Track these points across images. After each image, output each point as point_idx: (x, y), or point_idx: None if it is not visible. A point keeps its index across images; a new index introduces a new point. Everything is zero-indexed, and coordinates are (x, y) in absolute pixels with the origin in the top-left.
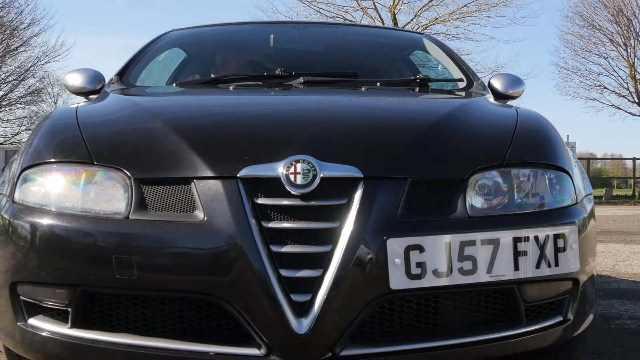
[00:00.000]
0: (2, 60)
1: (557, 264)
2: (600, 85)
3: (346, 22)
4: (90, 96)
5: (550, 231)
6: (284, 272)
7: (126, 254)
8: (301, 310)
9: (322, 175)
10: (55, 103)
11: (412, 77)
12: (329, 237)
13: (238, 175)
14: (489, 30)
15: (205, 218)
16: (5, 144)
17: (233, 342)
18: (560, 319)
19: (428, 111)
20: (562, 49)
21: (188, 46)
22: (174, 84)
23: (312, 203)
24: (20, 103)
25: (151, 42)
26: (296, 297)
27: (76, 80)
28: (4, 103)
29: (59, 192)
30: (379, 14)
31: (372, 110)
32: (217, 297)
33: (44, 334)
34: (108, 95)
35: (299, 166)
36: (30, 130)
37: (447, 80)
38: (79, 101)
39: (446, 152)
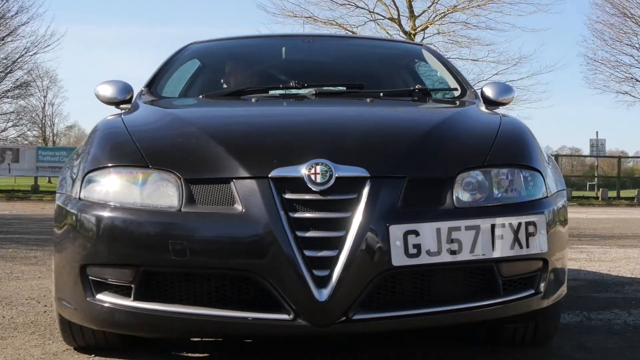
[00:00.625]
0: None
1: (528, 246)
2: (632, 78)
3: (351, 34)
4: (122, 105)
5: (523, 219)
6: (307, 252)
7: (179, 240)
8: (321, 282)
9: (336, 175)
10: (44, 97)
11: (412, 88)
12: (343, 225)
13: (269, 176)
14: (512, 19)
15: (243, 210)
16: None
17: (266, 310)
18: (532, 291)
19: (422, 120)
20: (590, 38)
21: (207, 58)
22: (201, 96)
23: (329, 197)
24: (7, 97)
25: (174, 55)
26: (317, 272)
27: (107, 91)
28: None
29: (120, 190)
30: (394, 1)
31: (376, 120)
32: (253, 273)
33: (110, 306)
34: (144, 106)
35: (318, 168)
36: (17, 125)
37: (443, 90)
38: (112, 110)
39: (437, 155)
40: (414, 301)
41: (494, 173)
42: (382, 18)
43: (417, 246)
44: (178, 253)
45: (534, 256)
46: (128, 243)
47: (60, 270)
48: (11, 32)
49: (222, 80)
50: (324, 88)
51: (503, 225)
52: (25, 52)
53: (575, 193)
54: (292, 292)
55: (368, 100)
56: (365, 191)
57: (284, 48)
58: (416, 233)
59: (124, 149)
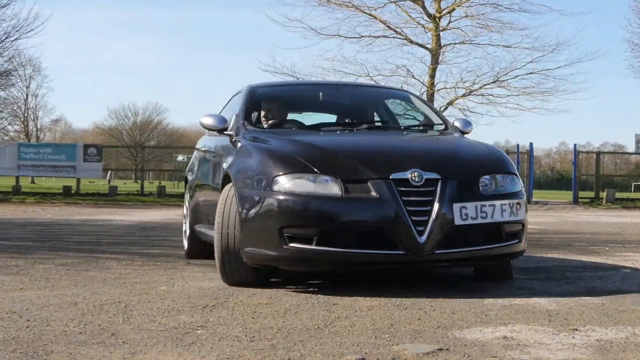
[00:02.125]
0: None
1: (517, 215)
2: None
3: (357, 83)
4: (224, 132)
5: (514, 201)
6: (413, 217)
7: (342, 212)
8: (420, 233)
9: (425, 177)
10: (27, 87)
11: (423, 123)
12: (429, 203)
13: (390, 177)
14: (548, 1)
15: (377, 195)
16: None
17: (390, 249)
18: (517, 240)
19: (451, 144)
20: (636, 22)
21: (271, 100)
22: (294, 127)
23: (421, 189)
24: None
25: (248, 96)
26: (418, 228)
27: (210, 121)
28: None
29: (300, 184)
30: None
31: (427, 144)
32: (383, 229)
33: (298, 249)
34: (262, 133)
35: (416, 173)
36: None
37: (437, 124)
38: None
39: (468, 166)
40: (465, 243)
41: (496, 177)
42: (404, 0)
43: (466, 214)
44: (342, 219)
45: (519, 221)
46: (313, 214)
47: (259, 232)
48: None
49: (284, 115)
50: (371, 124)
51: (505, 204)
52: (6, 38)
53: (618, 194)
54: (405, 239)
55: (403, 131)
56: (439, 185)
57: (320, 93)
58: (465, 207)
59: (292, 161)
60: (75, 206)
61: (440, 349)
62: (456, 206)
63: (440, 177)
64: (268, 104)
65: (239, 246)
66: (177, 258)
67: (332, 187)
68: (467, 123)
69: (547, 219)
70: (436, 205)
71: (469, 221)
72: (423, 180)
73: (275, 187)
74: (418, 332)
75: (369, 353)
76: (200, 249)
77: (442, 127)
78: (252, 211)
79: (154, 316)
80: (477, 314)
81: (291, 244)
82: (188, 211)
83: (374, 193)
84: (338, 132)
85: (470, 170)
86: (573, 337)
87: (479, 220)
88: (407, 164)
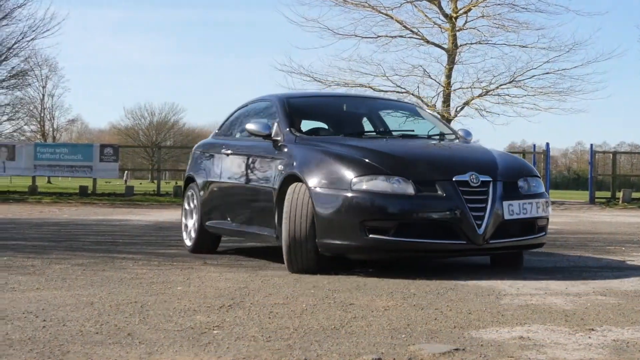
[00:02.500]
0: None
1: (544, 211)
2: None
3: (374, 95)
4: (270, 137)
5: (543, 200)
6: (472, 213)
7: (416, 208)
8: (479, 226)
9: (480, 179)
10: (43, 87)
11: (444, 133)
12: (484, 201)
13: (453, 179)
14: (565, 1)
15: (443, 194)
16: None
17: (454, 239)
18: (544, 233)
19: (486, 151)
20: None
21: (306, 110)
22: (341, 135)
23: (478, 189)
24: (2, 87)
25: (285, 105)
26: (477, 222)
27: (255, 127)
28: None
29: (375, 184)
30: None
31: (471, 151)
32: (449, 222)
33: (377, 240)
34: (320, 138)
35: (474, 176)
36: (13, 119)
37: (450, 133)
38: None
39: (509, 170)
40: (509, 234)
41: (528, 179)
42: (420, 0)
43: (512, 210)
44: (416, 213)
45: (546, 217)
46: (392, 209)
47: (340, 225)
48: (6, 15)
49: (321, 124)
50: (402, 132)
51: (538, 202)
52: (22, 38)
53: (635, 194)
54: (467, 230)
55: (428, 139)
56: (491, 186)
57: (344, 104)
58: (511, 205)
59: (366, 165)
60: (91, 206)
61: (456, 349)
62: (505, 204)
63: (491, 180)
64: (301, 113)
65: (310, 238)
66: (194, 258)
67: (407, 187)
68: (468, 133)
69: (564, 219)
70: (490, 203)
71: (514, 216)
72: (479, 182)
73: (355, 187)
74: (434, 332)
75: (385, 353)
76: (206, 244)
77: (453, 136)
78: (331, 207)
79: (171, 316)
80: (494, 314)
81: (370, 235)
82: (195, 209)
83: (440, 192)
84: (385, 139)
85: (511, 173)
86: (589, 337)
87: (521, 216)
88: (465, 168)
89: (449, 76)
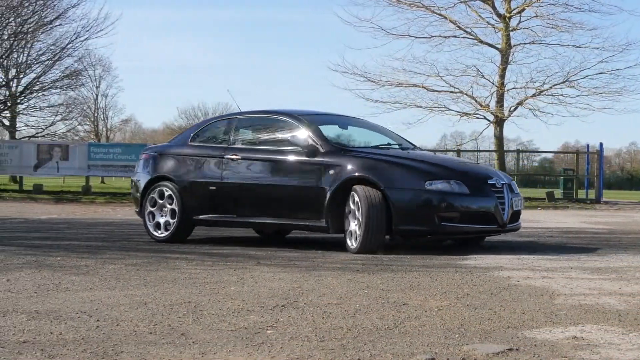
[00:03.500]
0: (34, 37)
1: (523, 205)
2: None
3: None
4: (310, 148)
5: (521, 196)
6: (500, 206)
7: (471, 203)
8: (505, 215)
9: (501, 182)
10: (97, 87)
11: (412, 143)
12: (504, 197)
13: (488, 182)
14: (618, 1)
15: (486, 194)
16: (37, 137)
17: (491, 224)
18: (519, 222)
19: (462, 159)
20: None
21: (320, 123)
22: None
23: (501, 189)
24: (56, 87)
25: (311, 122)
26: (502, 212)
27: (294, 139)
28: (36, 88)
29: (445, 187)
30: None
31: (465, 160)
32: (490, 212)
33: (448, 226)
34: (368, 149)
35: (497, 179)
36: (67, 119)
37: (410, 143)
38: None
39: (505, 175)
40: (515, 220)
41: (511, 182)
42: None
43: (516, 204)
44: (472, 207)
45: (520, 209)
46: (457, 205)
47: (417, 216)
48: (60, 15)
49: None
50: (402, 146)
51: (521, 198)
52: (76, 38)
53: None
54: (499, 218)
55: (410, 150)
56: (505, 187)
57: (339, 122)
58: (515, 200)
59: (432, 171)
60: None
61: (510, 349)
62: (514, 199)
63: (505, 182)
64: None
65: (383, 225)
66: (247, 258)
67: (464, 189)
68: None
69: (617, 219)
70: (507, 199)
71: (516, 208)
72: (499, 184)
73: (428, 188)
74: (488, 332)
75: (439, 353)
76: (181, 235)
77: (412, 146)
78: (407, 203)
79: (224, 316)
80: (547, 314)
81: (443, 223)
82: (176, 205)
83: (484, 192)
84: (402, 151)
85: (507, 178)
86: None
87: (518, 208)
88: (488, 174)
89: (502, 76)
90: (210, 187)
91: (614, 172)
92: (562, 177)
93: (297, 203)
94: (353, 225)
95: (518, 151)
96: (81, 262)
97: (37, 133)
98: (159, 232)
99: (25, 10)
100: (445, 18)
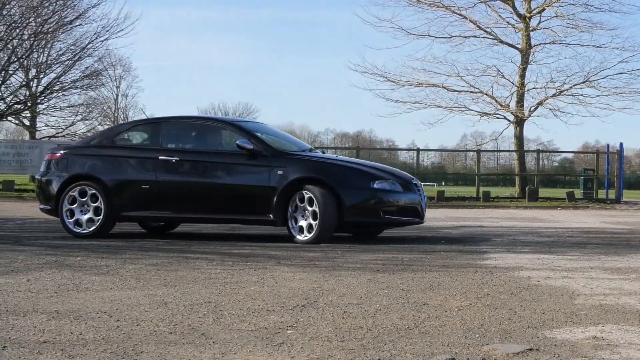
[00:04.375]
0: (54, 36)
1: (426, 204)
2: None
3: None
4: (254, 151)
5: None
6: (422, 202)
7: (404, 198)
8: (424, 208)
9: (419, 183)
10: (117, 87)
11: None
12: (422, 195)
13: (413, 182)
14: (639, 1)
15: (415, 191)
16: (57, 137)
17: (416, 217)
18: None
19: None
20: None
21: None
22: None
23: (419, 188)
24: (76, 87)
25: (245, 127)
26: (423, 207)
27: (244, 143)
28: (57, 87)
29: (386, 186)
30: None
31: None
32: (418, 206)
33: (389, 219)
34: (296, 153)
35: (417, 182)
36: (87, 119)
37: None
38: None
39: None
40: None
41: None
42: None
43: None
44: (404, 202)
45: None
46: (393, 200)
47: (365, 211)
48: (80, 15)
49: None
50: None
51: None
52: (96, 38)
53: None
54: (421, 212)
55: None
56: (421, 187)
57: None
58: (425, 197)
59: (374, 173)
60: None
61: (530, 349)
62: (425, 197)
63: (420, 183)
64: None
65: (335, 218)
66: (267, 258)
67: (399, 187)
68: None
69: (637, 219)
70: (423, 196)
71: (425, 205)
72: (420, 183)
73: (374, 186)
74: (508, 332)
75: (459, 353)
76: (105, 231)
77: (316, 150)
78: (358, 200)
79: (244, 316)
80: (567, 314)
81: (386, 216)
82: (101, 203)
83: (412, 190)
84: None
85: (417, 179)
86: None
87: (426, 205)
88: (411, 176)
89: (522, 76)
90: (142, 186)
91: (634, 172)
92: (582, 177)
93: (237, 201)
94: (302, 220)
95: (538, 151)
96: (101, 262)
97: (57, 133)
98: (80, 228)
99: (46, 10)
100: (466, 18)
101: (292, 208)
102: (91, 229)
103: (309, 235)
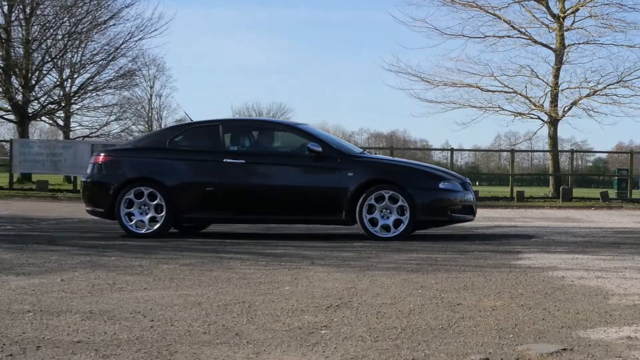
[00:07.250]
0: (88, 36)
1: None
2: None
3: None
4: (323, 154)
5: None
6: (475, 200)
7: (467, 197)
8: (475, 206)
9: (469, 182)
10: (151, 87)
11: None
12: (472, 194)
13: (466, 181)
14: None
15: (470, 190)
16: (91, 137)
17: (472, 214)
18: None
19: None
20: None
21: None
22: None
23: (469, 187)
24: (110, 87)
25: (313, 132)
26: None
27: (314, 147)
28: (90, 87)
29: (450, 186)
30: None
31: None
32: (473, 204)
33: (455, 216)
34: (365, 154)
35: (469, 181)
36: (121, 119)
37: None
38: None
39: None
40: None
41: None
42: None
43: None
44: (467, 201)
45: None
46: (461, 199)
47: (434, 210)
48: (114, 15)
49: None
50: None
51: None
52: (130, 38)
53: None
54: (475, 209)
55: None
56: (469, 186)
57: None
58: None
59: (439, 174)
60: None
61: (564, 349)
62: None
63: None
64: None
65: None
66: (301, 258)
67: (459, 187)
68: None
69: None
70: (472, 195)
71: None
72: (469, 183)
73: (441, 187)
74: (542, 332)
75: (493, 353)
76: (168, 229)
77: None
78: (429, 199)
79: (278, 316)
80: (601, 314)
81: (452, 214)
82: (158, 205)
83: (467, 188)
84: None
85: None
86: None
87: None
88: (464, 177)
89: (556, 76)
90: (206, 188)
91: None
92: (616, 177)
93: (308, 202)
94: (383, 220)
95: (572, 151)
96: (135, 262)
97: (91, 133)
98: (141, 229)
99: (79, 10)
100: (500, 18)
101: (367, 208)
102: (154, 228)
103: (397, 231)
